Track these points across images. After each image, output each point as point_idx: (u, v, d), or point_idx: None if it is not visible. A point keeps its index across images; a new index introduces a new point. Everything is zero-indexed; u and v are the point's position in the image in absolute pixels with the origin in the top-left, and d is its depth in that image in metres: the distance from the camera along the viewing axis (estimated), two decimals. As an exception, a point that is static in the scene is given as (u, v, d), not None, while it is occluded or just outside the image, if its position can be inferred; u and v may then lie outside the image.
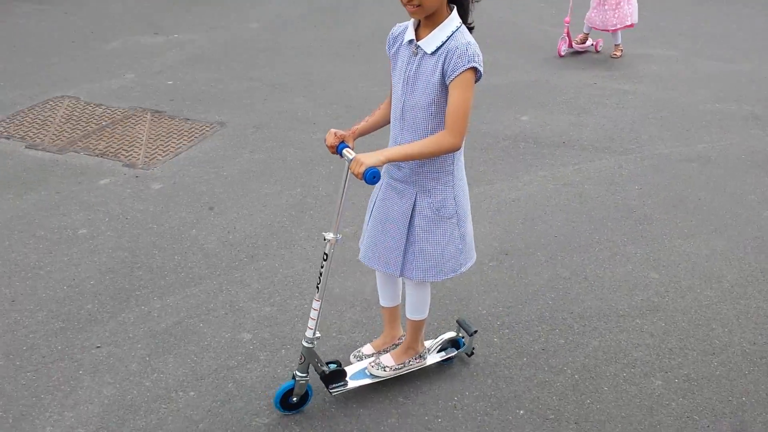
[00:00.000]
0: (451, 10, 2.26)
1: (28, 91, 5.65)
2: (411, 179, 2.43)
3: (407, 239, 2.50)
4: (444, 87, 2.27)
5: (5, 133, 4.92)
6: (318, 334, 2.54)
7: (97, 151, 4.73)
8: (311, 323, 2.52)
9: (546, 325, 3.23)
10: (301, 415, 2.70)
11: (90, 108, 5.40)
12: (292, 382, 2.61)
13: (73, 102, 5.48)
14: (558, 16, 7.84)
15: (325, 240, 2.43)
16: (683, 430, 2.71)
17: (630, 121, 5.50)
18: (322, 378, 2.65)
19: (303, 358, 2.56)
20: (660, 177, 4.64)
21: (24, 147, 4.74)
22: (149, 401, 2.73)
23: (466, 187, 2.54)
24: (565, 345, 3.12)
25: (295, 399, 2.64)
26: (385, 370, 2.78)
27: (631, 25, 6.76)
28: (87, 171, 4.47)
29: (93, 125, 5.12)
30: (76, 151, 4.71)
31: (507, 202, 4.28)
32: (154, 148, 4.81)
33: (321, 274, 2.48)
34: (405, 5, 2.20)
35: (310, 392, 2.68)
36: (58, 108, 5.37)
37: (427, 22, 2.27)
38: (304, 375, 2.58)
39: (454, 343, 2.96)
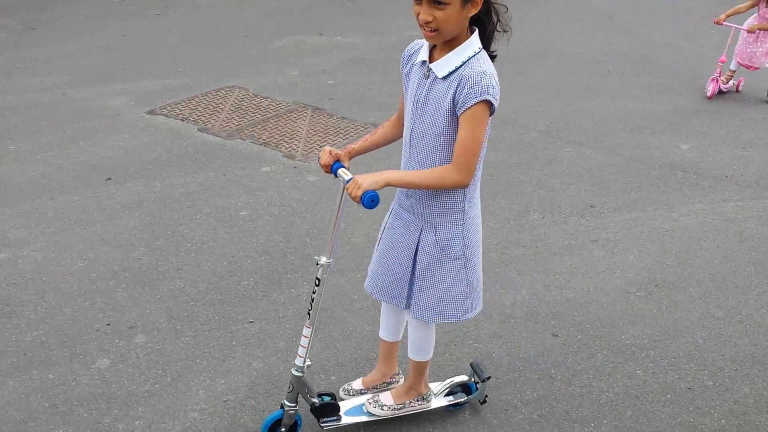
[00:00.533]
0: (472, 33, 2.04)
1: (203, 78, 6.09)
2: (417, 210, 2.24)
3: (412, 272, 2.32)
4: (454, 116, 2.05)
5: (181, 115, 5.33)
6: (308, 362, 2.40)
7: (260, 140, 5.02)
8: (301, 351, 2.37)
9: (694, 364, 3.09)
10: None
11: (257, 99, 5.74)
12: (281, 411, 2.47)
13: (242, 92, 5.86)
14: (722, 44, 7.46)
15: (318, 264, 2.28)
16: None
17: (803, 162, 5.13)
18: (312, 410, 2.48)
19: (291, 387, 2.41)
20: (834, 224, 4.30)
21: (196, 130, 5.12)
22: (293, 380, 2.88)
23: (480, 228, 2.31)
24: (713, 387, 2.97)
25: (283, 429, 2.47)
26: (383, 409, 2.59)
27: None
28: (251, 158, 4.76)
29: (259, 116, 5.44)
30: (242, 139, 5.04)
31: (660, 232, 4.12)
32: (312, 142, 5.04)
33: (312, 300, 2.33)
34: (421, 27, 1.99)
35: (299, 421, 2.53)
36: (228, 97, 5.75)
37: (443, 44, 2.06)
38: (293, 405, 2.43)
39: (465, 388, 2.73)
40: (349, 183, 2.06)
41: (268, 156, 4.80)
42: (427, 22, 1.94)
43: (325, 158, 2.26)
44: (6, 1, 8.06)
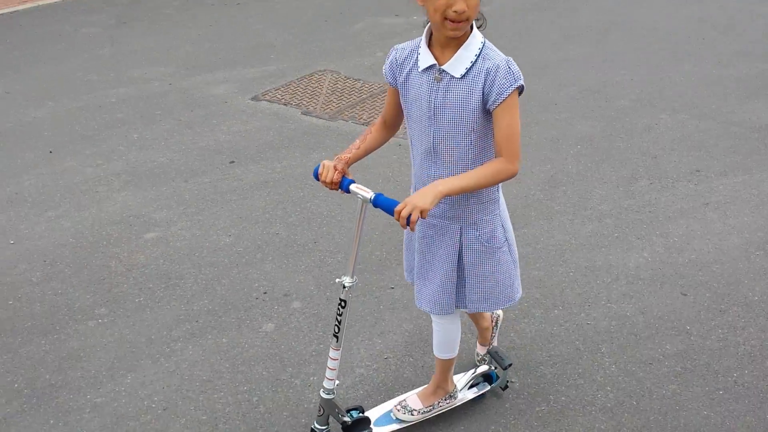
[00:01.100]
0: (472, 28, 2.02)
1: (294, 64, 6.32)
2: (451, 214, 2.18)
3: (458, 275, 2.27)
4: (485, 111, 2.01)
5: (282, 100, 5.57)
6: (337, 382, 2.38)
7: (361, 120, 5.23)
8: (329, 373, 2.33)
9: (825, 317, 3.20)
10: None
11: (350, 82, 5.95)
12: None
13: (335, 76, 6.07)
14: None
15: (344, 287, 2.22)
16: None
17: None
18: (344, 429, 2.43)
19: (322, 410, 2.39)
20: None
21: (300, 113, 5.35)
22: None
23: (506, 207, 2.32)
24: None
25: None
26: (412, 414, 2.55)
27: None
28: (356, 137, 4.95)
29: (355, 97, 5.64)
30: (344, 120, 5.25)
31: (770, 194, 4.20)
32: (412, 120, 5.22)
33: (339, 322, 2.28)
34: (444, 20, 1.91)
35: None
36: (323, 80, 5.97)
37: (446, 42, 2.01)
38: (324, 428, 2.42)
39: (486, 377, 2.74)
40: (401, 207, 1.92)
41: (374, 135, 4.99)
42: (463, 11, 1.89)
43: (332, 175, 2.11)
44: (93, -2, 8.42)
